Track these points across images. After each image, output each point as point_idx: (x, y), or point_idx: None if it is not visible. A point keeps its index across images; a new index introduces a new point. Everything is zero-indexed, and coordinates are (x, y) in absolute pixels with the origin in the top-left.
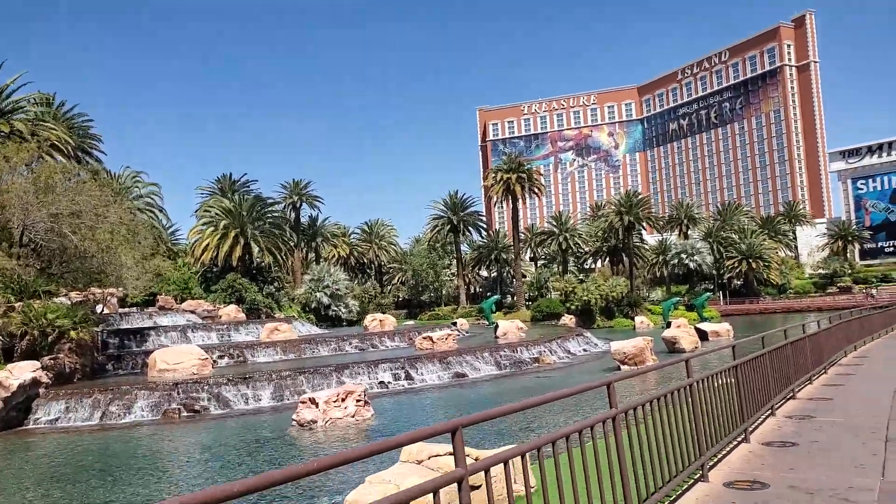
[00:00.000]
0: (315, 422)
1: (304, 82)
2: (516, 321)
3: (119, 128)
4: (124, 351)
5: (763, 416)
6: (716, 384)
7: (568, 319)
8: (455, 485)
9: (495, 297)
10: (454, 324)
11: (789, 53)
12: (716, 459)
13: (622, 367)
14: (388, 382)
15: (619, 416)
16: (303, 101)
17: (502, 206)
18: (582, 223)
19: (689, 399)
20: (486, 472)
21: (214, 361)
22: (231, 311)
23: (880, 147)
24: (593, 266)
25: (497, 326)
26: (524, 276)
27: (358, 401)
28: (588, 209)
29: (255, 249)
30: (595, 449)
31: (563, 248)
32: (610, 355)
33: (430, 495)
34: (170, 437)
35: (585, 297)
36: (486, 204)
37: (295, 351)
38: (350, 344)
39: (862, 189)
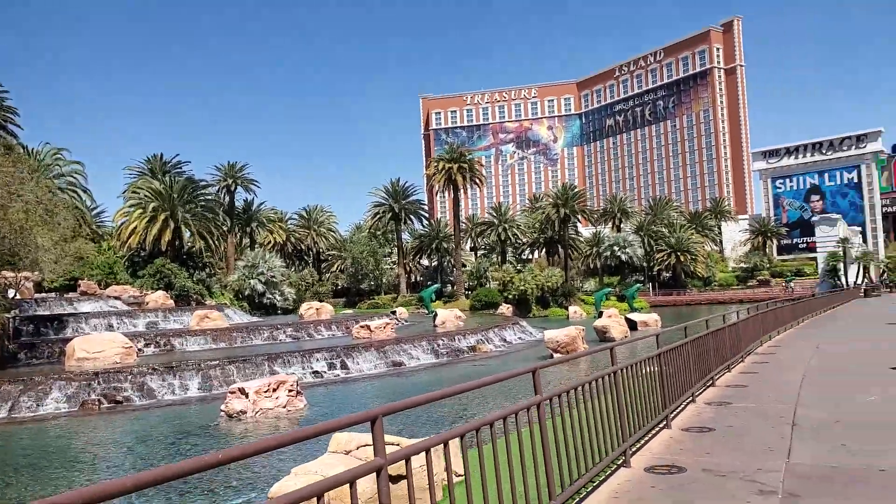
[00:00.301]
0: (244, 412)
1: (244, 64)
2: (455, 310)
3: (43, 105)
4: (39, 339)
5: (685, 403)
6: (640, 372)
7: (505, 309)
8: (374, 475)
9: (435, 286)
10: (394, 312)
11: (718, 56)
12: (638, 445)
13: (555, 355)
14: (323, 372)
15: (543, 402)
16: (241, 83)
17: (444, 196)
18: (521, 215)
19: (614, 386)
20: (407, 461)
21: (140, 350)
22: (159, 298)
23: (797, 149)
24: (531, 257)
25: (436, 315)
26: (464, 266)
27: (290, 391)
28: (527, 201)
29: (186, 234)
30: (519, 437)
31: (502, 238)
32: (544, 344)
33: (351, 485)
34: (87, 429)
35: (522, 287)
36: (429, 193)
37: (226, 340)
38: (284, 333)
39: (780, 188)
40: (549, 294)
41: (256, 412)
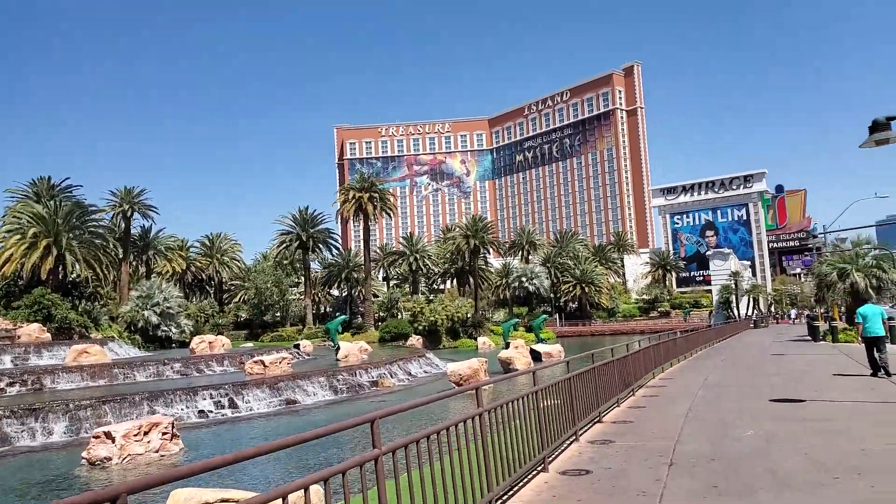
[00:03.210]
0: (110, 459)
1: (151, 82)
2: (360, 343)
3: None
4: None
5: (567, 443)
6: (513, 412)
7: (416, 340)
8: None
9: (342, 317)
10: (297, 346)
11: (620, 98)
12: (508, 494)
13: (456, 388)
14: (209, 411)
15: (381, 457)
16: (148, 104)
17: (358, 226)
18: (433, 245)
19: (479, 430)
20: None
21: (1, 389)
22: (33, 331)
23: (692, 187)
24: (443, 287)
25: (338, 349)
26: (376, 296)
27: (164, 433)
28: (440, 232)
29: (71, 262)
30: (346, 496)
31: (414, 268)
32: (447, 377)
33: None
34: None
35: (432, 318)
36: (342, 223)
37: (105, 377)
38: (172, 368)
39: (678, 223)
40: (460, 325)
41: (124, 459)
